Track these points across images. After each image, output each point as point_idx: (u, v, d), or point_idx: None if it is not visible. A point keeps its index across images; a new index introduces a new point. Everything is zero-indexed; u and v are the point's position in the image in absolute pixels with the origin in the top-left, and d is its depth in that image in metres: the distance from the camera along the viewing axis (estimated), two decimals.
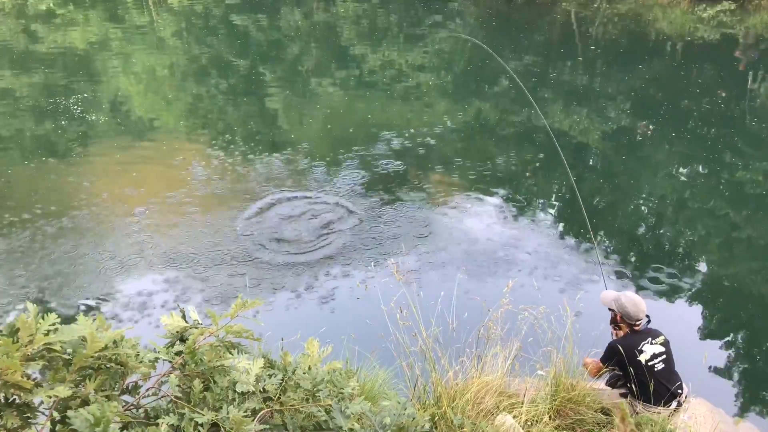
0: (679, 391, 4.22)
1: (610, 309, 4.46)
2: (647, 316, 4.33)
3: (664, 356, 4.16)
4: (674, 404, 4.19)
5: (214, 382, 1.87)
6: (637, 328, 4.28)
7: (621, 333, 4.49)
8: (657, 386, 4.10)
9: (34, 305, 1.64)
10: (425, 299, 6.12)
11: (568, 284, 6.70)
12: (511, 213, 8.50)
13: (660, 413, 4.08)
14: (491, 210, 8.50)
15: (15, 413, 1.57)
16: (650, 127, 11.31)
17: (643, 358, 4.11)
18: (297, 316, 6.27)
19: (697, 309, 6.54)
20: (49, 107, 11.94)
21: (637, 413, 4.12)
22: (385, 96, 13.53)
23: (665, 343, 4.21)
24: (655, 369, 4.13)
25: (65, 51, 16.18)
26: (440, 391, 3.89)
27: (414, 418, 2.03)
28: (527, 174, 9.68)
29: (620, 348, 4.19)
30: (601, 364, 4.35)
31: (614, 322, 4.47)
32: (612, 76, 14.46)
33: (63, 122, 11.25)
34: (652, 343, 4.18)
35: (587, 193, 9.24)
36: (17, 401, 1.60)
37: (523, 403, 3.97)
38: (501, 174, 9.70)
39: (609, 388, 4.45)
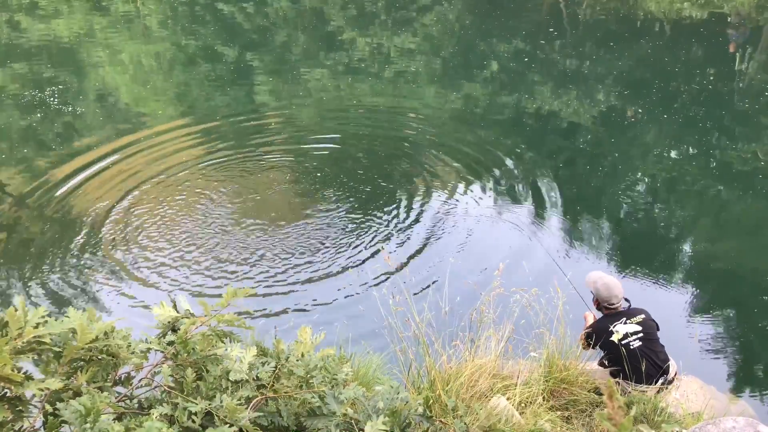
0: (665, 367, 4.28)
1: (591, 291, 4.55)
2: (626, 299, 4.41)
3: (641, 334, 4.23)
4: (659, 382, 4.25)
5: (207, 371, 1.88)
6: (612, 309, 4.37)
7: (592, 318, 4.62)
8: (635, 363, 4.17)
9: (22, 298, 1.63)
10: (417, 284, 6.15)
11: (558, 266, 6.73)
12: (499, 195, 8.51)
13: (645, 392, 4.14)
14: (480, 193, 8.50)
15: (7, 407, 1.57)
16: (635, 111, 11.34)
17: (615, 338, 4.20)
18: (289, 304, 6.26)
19: (688, 287, 6.59)
20: (27, 99, 11.80)
21: (624, 392, 4.19)
22: (373, 80, 13.46)
23: (643, 322, 4.27)
24: (631, 347, 4.20)
25: (51, 41, 16.00)
26: (434, 375, 3.91)
27: (407, 402, 2.04)
28: (515, 157, 9.67)
29: (593, 330, 4.31)
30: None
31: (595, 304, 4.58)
32: (600, 57, 14.45)
33: (40, 114, 11.12)
34: (626, 323, 4.26)
35: (575, 174, 9.25)
36: (8, 395, 1.59)
37: (516, 385, 4.01)
38: (489, 157, 9.68)
39: (601, 368, 4.51)
